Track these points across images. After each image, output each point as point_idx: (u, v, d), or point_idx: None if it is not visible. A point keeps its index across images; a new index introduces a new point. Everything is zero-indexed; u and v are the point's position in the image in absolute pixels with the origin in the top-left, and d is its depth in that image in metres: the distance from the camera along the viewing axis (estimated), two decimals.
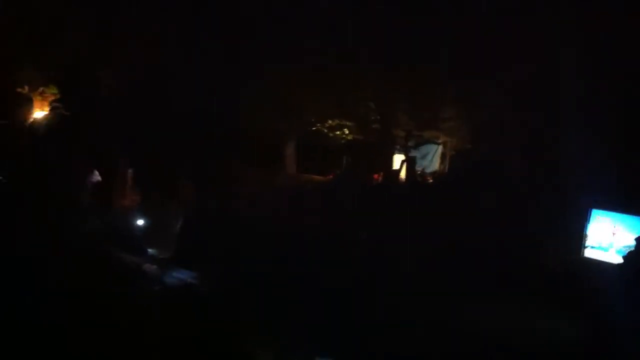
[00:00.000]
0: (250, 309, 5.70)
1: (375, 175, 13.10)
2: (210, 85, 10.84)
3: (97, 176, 6.09)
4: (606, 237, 8.01)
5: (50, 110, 8.18)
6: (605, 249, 8.00)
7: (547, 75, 10.20)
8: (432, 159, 14.90)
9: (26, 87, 9.71)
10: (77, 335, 4.41)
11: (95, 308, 4.73)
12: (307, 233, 8.46)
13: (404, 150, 13.82)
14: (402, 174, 12.40)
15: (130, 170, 7.36)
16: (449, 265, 7.96)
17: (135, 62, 10.31)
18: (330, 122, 14.25)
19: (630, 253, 6.39)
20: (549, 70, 10.18)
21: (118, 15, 10.08)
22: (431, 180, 13.00)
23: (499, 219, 8.95)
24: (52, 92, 10.24)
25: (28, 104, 8.05)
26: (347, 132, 14.42)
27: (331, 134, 14.46)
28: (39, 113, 8.36)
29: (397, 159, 13.79)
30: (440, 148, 14.76)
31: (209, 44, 10.90)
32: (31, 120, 7.89)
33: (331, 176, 13.47)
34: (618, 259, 7.06)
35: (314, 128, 14.35)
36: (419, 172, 13.24)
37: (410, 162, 12.52)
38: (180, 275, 5.84)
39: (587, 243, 8.21)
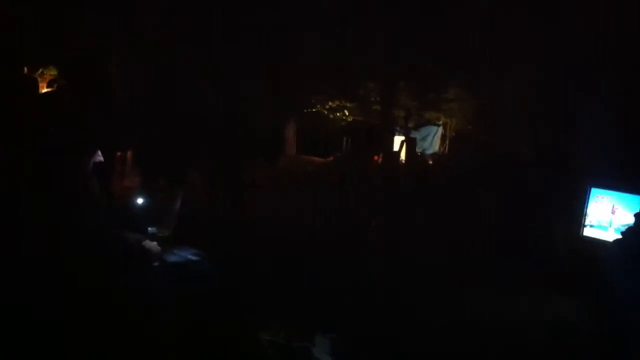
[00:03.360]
0: (250, 290, 5.73)
1: (376, 157, 13.10)
2: (209, 71, 10.82)
3: (99, 156, 6.09)
4: (605, 215, 8.01)
5: (49, 89, 8.15)
6: (605, 228, 8.00)
7: (550, 56, 10.18)
8: (432, 140, 14.90)
9: (25, 68, 9.68)
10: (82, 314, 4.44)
11: (97, 283, 4.76)
12: (309, 217, 8.47)
13: (404, 131, 13.83)
14: (402, 156, 12.38)
15: (129, 152, 7.41)
16: (457, 250, 7.87)
17: (140, 48, 10.29)
18: (330, 103, 14.24)
19: (628, 229, 6.39)
20: (552, 50, 10.16)
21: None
22: (431, 162, 12.99)
23: (502, 202, 8.93)
24: (51, 73, 10.22)
25: (34, 85, 8.03)
26: (347, 113, 14.43)
27: (331, 116, 14.46)
28: (40, 95, 8.35)
29: (397, 140, 13.78)
30: (440, 129, 14.76)
31: (208, 29, 10.87)
32: (34, 102, 7.87)
33: (331, 158, 13.48)
34: (616, 237, 7.06)
35: (313, 110, 14.35)
36: (419, 154, 13.22)
37: (410, 143, 12.49)
38: (181, 253, 5.88)
39: (587, 222, 8.20)
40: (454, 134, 13.75)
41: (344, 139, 14.25)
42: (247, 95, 11.62)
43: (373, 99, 13.93)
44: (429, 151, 14.54)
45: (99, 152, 6.44)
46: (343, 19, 11.82)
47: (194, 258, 5.97)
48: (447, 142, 14.16)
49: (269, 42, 11.47)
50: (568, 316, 6.64)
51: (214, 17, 10.93)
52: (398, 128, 14.27)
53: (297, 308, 5.71)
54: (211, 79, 10.47)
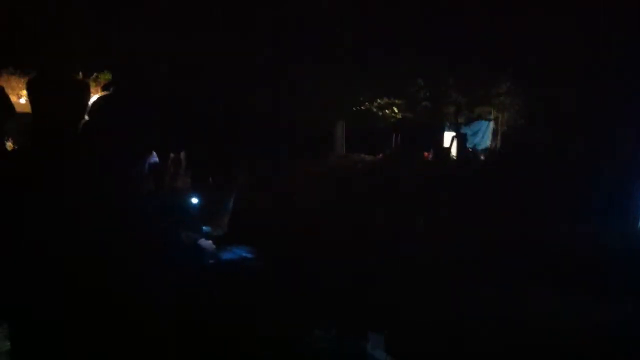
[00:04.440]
0: (302, 287, 5.74)
1: (426, 153, 13.02)
2: (257, 73, 10.90)
3: (154, 157, 6.23)
4: None
5: (103, 94, 8.34)
6: None
7: (605, 51, 9.95)
8: (484, 135, 14.72)
9: (80, 73, 9.95)
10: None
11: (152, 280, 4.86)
12: (357, 215, 8.42)
13: (454, 127, 13.69)
14: (453, 152, 12.28)
15: (183, 153, 7.52)
16: (509, 249, 7.66)
17: (188, 51, 10.44)
18: (379, 101, 14.19)
19: None
20: (607, 45, 9.93)
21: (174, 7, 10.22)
22: (483, 158, 12.83)
23: (557, 199, 8.74)
24: (105, 78, 10.48)
25: (85, 90, 8.24)
26: (396, 110, 14.35)
27: (380, 113, 14.40)
28: (93, 98, 8.56)
29: (447, 136, 13.65)
30: (491, 124, 14.56)
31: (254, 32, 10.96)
32: (85, 105, 8.08)
33: (381, 155, 13.44)
34: None
35: (362, 107, 14.32)
36: (470, 150, 13.08)
37: (460, 139, 12.38)
38: (235, 250, 5.96)
39: None
40: (505, 129, 13.55)
41: (393, 136, 14.19)
42: (296, 94, 11.69)
43: (422, 95, 13.83)
44: (481, 146, 14.37)
45: (154, 154, 6.60)
46: (389, 16, 11.77)
47: (247, 256, 6.04)
48: (499, 137, 13.96)
49: (316, 41, 11.51)
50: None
51: (262, 19, 11.03)
52: (448, 124, 14.15)
53: (350, 304, 5.70)
54: (259, 80, 10.58)
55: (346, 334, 5.29)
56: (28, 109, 8.25)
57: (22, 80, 8.94)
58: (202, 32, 10.35)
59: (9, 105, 8.20)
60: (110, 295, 4.38)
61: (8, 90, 8.51)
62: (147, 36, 9.88)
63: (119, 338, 4.32)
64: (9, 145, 7.73)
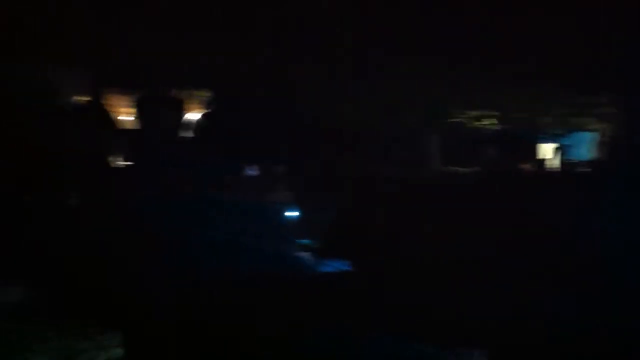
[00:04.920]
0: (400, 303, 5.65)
1: (523, 166, 12.64)
2: (348, 84, 10.89)
3: (254, 171, 6.34)
4: None
5: (202, 112, 8.57)
6: None
7: None
8: (585, 147, 14.16)
9: (174, 90, 10.25)
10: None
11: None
12: (459, 230, 8.20)
13: (554, 138, 13.23)
14: (552, 163, 11.86)
15: (280, 166, 7.60)
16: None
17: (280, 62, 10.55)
18: (473, 112, 13.91)
19: None
20: None
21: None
22: (585, 170, 12.33)
23: None
24: (200, 95, 10.74)
25: (179, 107, 8.52)
26: (491, 121, 14.02)
27: (475, 125, 14.11)
28: (190, 115, 8.81)
29: (546, 148, 13.21)
30: (594, 135, 13.99)
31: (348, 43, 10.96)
32: (184, 121, 8.33)
33: (476, 168, 13.14)
34: None
35: (456, 119, 14.08)
36: (570, 162, 12.61)
37: (561, 150, 11.94)
38: (333, 264, 5.94)
39: None
40: (609, 140, 12.97)
41: (488, 148, 13.87)
42: (389, 107, 11.62)
43: (518, 105, 13.45)
44: (582, 158, 13.84)
45: (254, 167, 6.71)
46: (480, 20, 11.54)
47: (346, 269, 6.01)
48: (602, 148, 13.38)
49: (404, 51, 11.42)
50: None
51: (353, 23, 11.04)
52: (547, 135, 13.69)
53: (449, 320, 5.56)
54: (350, 89, 10.57)
55: (448, 350, 5.17)
56: (129, 125, 8.62)
57: (124, 98, 9.30)
58: (292, 42, 10.47)
59: (111, 121, 8.60)
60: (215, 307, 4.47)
61: (110, 107, 8.91)
62: (246, 51, 10.07)
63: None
64: (112, 160, 8.07)
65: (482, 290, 6.08)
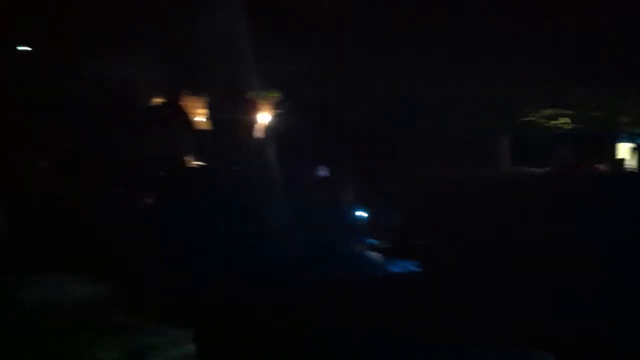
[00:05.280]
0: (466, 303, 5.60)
1: (597, 166, 12.30)
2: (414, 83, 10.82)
3: (324, 171, 6.42)
4: None
5: (276, 112, 8.71)
6: None
7: None
8: None
9: (250, 92, 10.43)
10: None
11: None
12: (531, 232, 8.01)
13: (632, 138, 12.80)
14: (631, 164, 11.50)
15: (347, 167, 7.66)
16: None
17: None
18: (545, 111, 13.61)
19: None
20: None
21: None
22: None
23: None
24: (273, 96, 10.91)
25: (253, 107, 8.68)
26: (564, 120, 13.68)
27: (547, 124, 13.80)
28: (262, 115, 8.97)
29: (622, 148, 12.81)
30: None
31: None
32: (256, 122, 8.50)
33: (549, 168, 12.87)
34: None
35: (527, 119, 13.80)
36: None
37: (639, 150, 11.57)
38: (401, 263, 5.97)
39: None
40: None
41: (562, 148, 13.54)
42: (460, 108, 11.52)
43: (593, 104, 13.08)
44: None
45: (324, 168, 6.81)
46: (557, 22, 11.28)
47: (414, 269, 6.03)
48: None
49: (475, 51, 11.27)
50: None
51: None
52: (623, 134, 13.25)
53: (520, 321, 5.48)
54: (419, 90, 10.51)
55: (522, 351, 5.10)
56: (203, 126, 8.84)
57: (198, 99, 9.53)
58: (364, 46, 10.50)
59: (188, 122, 8.84)
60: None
61: (188, 109, 9.17)
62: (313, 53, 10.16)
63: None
64: (188, 160, 8.31)
65: (553, 290, 5.99)
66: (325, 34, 10.59)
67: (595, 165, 12.48)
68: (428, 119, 9.91)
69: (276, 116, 8.13)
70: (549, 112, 13.72)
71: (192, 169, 7.91)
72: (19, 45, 8.40)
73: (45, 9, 8.11)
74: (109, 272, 5.92)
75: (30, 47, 8.37)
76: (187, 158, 8.21)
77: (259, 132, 8.18)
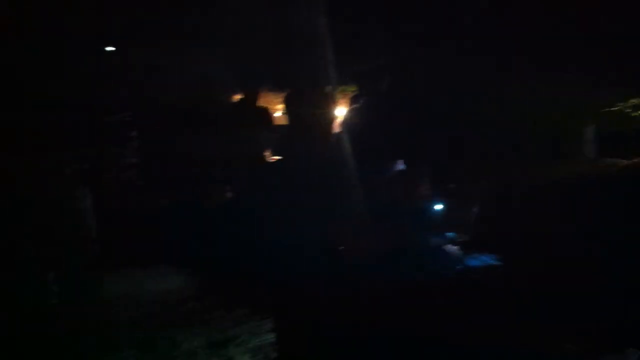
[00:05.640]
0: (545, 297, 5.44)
1: None
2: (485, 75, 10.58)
3: (400, 164, 6.41)
4: None
5: (353, 107, 8.72)
6: None
7: None
8: None
9: (328, 87, 10.47)
10: None
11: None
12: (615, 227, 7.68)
13: None
14: None
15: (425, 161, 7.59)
16: None
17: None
18: (634, 100, 13.07)
19: None
20: None
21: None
22: None
23: None
24: (351, 90, 10.92)
25: (331, 102, 8.72)
26: None
27: (634, 114, 13.25)
28: (340, 110, 9.00)
29: None
30: None
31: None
32: (334, 117, 8.53)
33: (638, 160, 12.35)
34: None
35: (614, 108, 13.29)
36: None
37: None
38: (481, 257, 5.89)
39: None
40: None
41: None
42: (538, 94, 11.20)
43: None
44: None
45: (401, 161, 6.79)
46: None
47: (494, 262, 5.94)
48: None
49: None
50: None
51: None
52: None
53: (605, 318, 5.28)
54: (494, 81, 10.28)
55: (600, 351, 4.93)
56: (283, 122, 8.96)
57: (278, 95, 9.65)
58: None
59: (268, 118, 8.98)
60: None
61: (266, 104, 9.31)
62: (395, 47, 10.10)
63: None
64: (268, 154, 8.44)
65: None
66: (405, 27, 10.52)
67: None
68: (509, 113, 9.69)
69: (353, 110, 8.14)
70: (637, 100, 13.19)
71: (271, 164, 8.04)
72: (105, 46, 8.71)
73: (125, 8, 8.39)
74: (191, 264, 6.09)
75: (114, 47, 8.68)
76: (265, 154, 8.35)
77: (336, 127, 8.22)
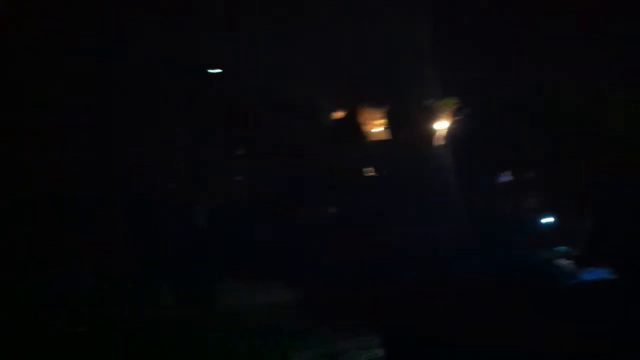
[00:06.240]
0: None
1: None
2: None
3: (506, 176, 6.29)
4: None
5: (455, 119, 8.62)
6: None
7: None
8: None
9: (428, 100, 10.39)
10: None
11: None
12: None
13: None
14: None
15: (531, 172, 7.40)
16: None
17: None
18: None
19: None
20: None
21: None
22: None
23: None
24: (451, 103, 10.80)
25: (430, 115, 8.65)
26: None
27: None
28: (441, 123, 8.91)
29: None
30: None
31: None
32: (435, 130, 8.46)
33: None
34: None
35: None
36: None
37: None
38: (595, 271, 5.69)
39: None
40: None
41: None
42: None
43: None
44: None
45: (505, 173, 6.65)
46: None
47: (609, 277, 5.72)
48: None
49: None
50: None
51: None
52: None
53: None
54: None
55: None
56: (382, 137, 8.96)
57: (378, 110, 9.66)
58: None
59: (362, 133, 9.00)
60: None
61: (363, 120, 9.34)
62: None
63: None
64: (367, 171, 8.46)
65: None
66: (506, 37, 10.31)
67: None
68: (617, 122, 9.29)
69: (456, 123, 8.06)
70: None
71: (373, 178, 8.07)
72: (210, 69, 8.99)
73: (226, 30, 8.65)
74: (299, 279, 6.18)
75: (220, 69, 8.94)
76: (366, 169, 8.37)
77: (438, 140, 8.16)
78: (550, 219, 6.37)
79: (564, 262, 5.70)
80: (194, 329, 4.96)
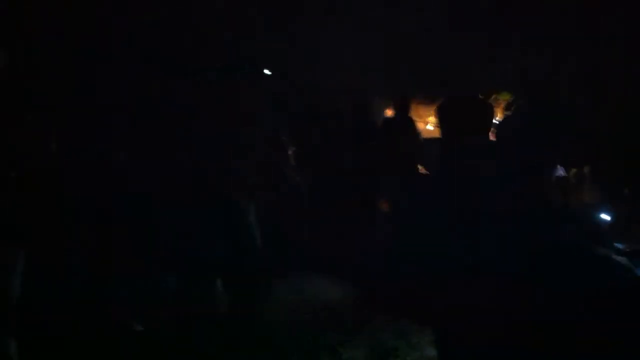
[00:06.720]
0: None
1: None
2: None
3: (560, 171, 6.15)
4: None
5: (507, 114, 8.50)
6: None
7: None
8: None
9: (481, 95, 10.28)
10: None
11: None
12: None
13: None
14: None
15: (588, 166, 7.21)
16: None
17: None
18: None
19: None
20: None
21: None
22: None
23: None
24: (504, 98, 10.66)
25: (489, 112, 8.54)
26: None
27: None
28: (494, 118, 8.77)
29: None
30: None
31: None
32: (489, 125, 8.35)
33: None
34: None
35: None
36: None
37: None
38: None
39: None
40: None
41: None
42: None
43: None
44: None
45: (560, 168, 6.50)
46: None
47: None
48: None
49: None
50: None
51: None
52: None
53: None
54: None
55: None
56: (434, 134, 8.90)
57: (429, 107, 9.63)
58: None
59: (416, 130, 8.95)
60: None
61: (416, 117, 9.30)
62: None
63: None
64: (420, 168, 8.41)
65: None
66: (564, 31, 10.11)
67: None
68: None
69: (508, 118, 7.94)
70: None
71: (426, 177, 8.00)
72: (266, 69, 9.10)
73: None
74: (353, 275, 6.20)
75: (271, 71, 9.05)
76: (418, 167, 8.33)
77: (491, 135, 8.04)
78: (607, 216, 6.20)
79: (618, 257, 5.53)
80: (242, 324, 5.01)
